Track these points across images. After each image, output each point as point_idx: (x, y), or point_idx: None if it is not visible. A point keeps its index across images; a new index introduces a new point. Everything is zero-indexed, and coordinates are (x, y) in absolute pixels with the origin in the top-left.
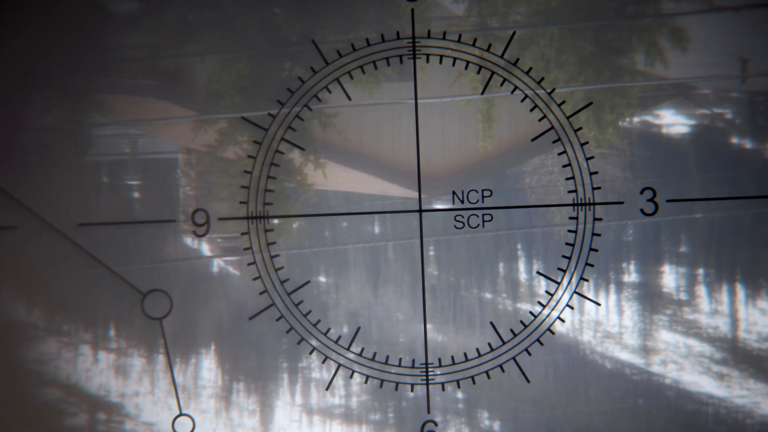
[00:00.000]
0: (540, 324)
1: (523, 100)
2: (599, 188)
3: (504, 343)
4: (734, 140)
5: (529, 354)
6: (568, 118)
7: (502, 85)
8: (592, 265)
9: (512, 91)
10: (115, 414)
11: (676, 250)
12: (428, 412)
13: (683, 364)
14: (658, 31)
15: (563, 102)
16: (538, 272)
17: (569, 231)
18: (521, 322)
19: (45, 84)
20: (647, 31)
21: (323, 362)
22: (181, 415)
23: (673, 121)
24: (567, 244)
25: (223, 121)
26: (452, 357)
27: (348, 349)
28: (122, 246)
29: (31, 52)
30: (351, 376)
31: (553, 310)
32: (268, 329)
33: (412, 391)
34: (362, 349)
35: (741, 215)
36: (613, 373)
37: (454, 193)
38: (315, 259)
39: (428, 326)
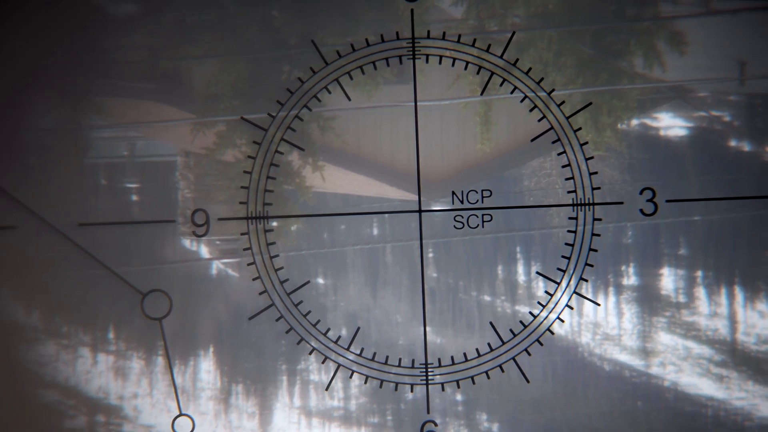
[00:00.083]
0: (539, 324)
1: (522, 101)
2: (599, 189)
3: (503, 343)
4: (732, 143)
5: (529, 354)
6: (567, 118)
7: (501, 85)
8: (591, 266)
9: (512, 92)
10: (114, 416)
11: (675, 252)
12: (428, 412)
13: (682, 366)
14: (657, 34)
15: (563, 102)
16: (537, 273)
17: (569, 231)
18: (521, 322)
19: (45, 84)
20: (645, 34)
21: (323, 362)
22: (181, 415)
23: (671, 124)
24: (567, 244)
25: (222, 124)
26: (452, 357)
27: (347, 349)
28: (122, 246)
29: (31, 52)
30: (350, 377)
31: (550, 312)
32: (268, 330)
33: (411, 391)
34: (362, 350)
35: (739, 218)
36: (612, 374)
37: (453, 193)
38: (314, 261)
39: (428, 328)
